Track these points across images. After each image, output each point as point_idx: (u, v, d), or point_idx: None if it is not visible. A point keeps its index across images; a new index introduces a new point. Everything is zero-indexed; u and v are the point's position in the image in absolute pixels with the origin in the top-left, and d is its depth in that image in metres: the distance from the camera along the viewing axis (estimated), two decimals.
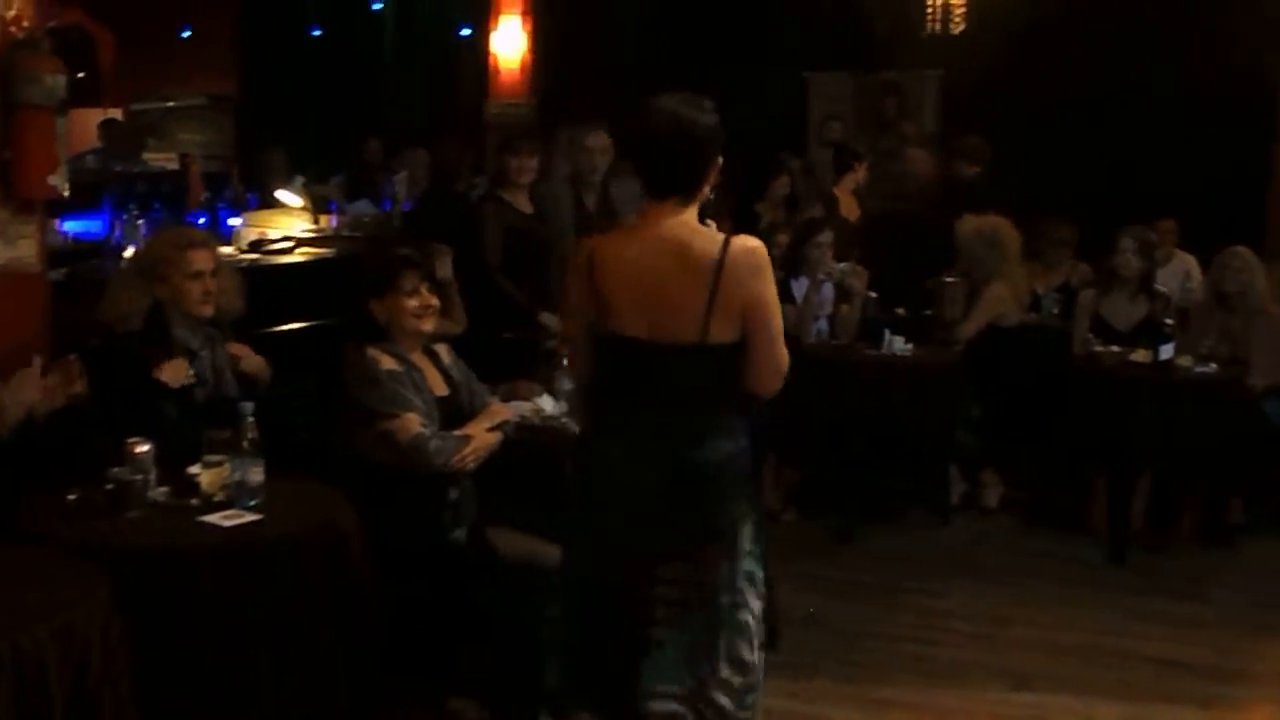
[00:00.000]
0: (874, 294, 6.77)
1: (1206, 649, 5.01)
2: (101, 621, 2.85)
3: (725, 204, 7.19)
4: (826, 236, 6.58)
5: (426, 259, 4.32)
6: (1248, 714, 4.73)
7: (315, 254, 7.05)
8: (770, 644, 3.37)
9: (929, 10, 7.87)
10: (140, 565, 3.17)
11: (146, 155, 10.57)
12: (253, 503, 3.44)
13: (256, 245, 6.96)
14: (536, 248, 6.01)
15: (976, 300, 6.64)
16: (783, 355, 3.13)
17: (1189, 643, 5.06)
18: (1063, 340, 6.59)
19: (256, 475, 3.47)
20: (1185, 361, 6.06)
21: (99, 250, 6.48)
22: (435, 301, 4.13)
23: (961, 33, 8.37)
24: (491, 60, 10.52)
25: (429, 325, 4.10)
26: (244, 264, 6.35)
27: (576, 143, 6.16)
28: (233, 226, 7.33)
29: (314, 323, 6.06)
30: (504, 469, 4.10)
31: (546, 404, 4.58)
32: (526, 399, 4.60)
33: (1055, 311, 6.91)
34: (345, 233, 7.77)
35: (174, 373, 4.00)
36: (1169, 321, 6.10)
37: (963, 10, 7.75)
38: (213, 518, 3.39)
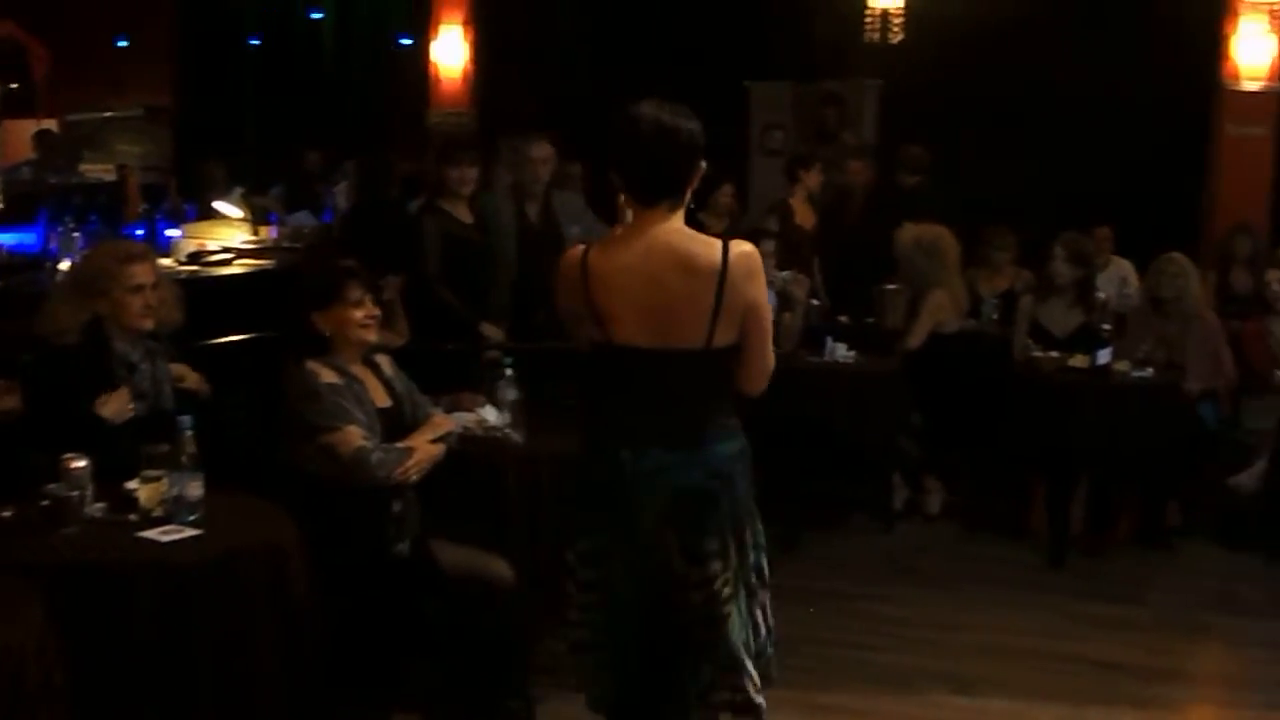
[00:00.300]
0: (816, 302, 6.81)
1: (1143, 650, 5.09)
2: (37, 637, 2.81)
3: None
4: (769, 245, 6.60)
5: (367, 270, 4.30)
6: (1184, 714, 4.80)
7: (255, 265, 7.01)
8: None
9: (868, 20, 7.93)
10: (78, 581, 3.14)
11: (83, 167, 10.48)
12: (192, 518, 3.41)
13: (195, 257, 6.90)
14: (477, 258, 5.99)
15: (917, 308, 6.70)
16: (772, 356, 3.22)
17: (1126, 644, 5.13)
18: (1002, 347, 6.65)
19: (195, 490, 3.44)
20: (1122, 366, 6.14)
21: (34, 263, 6.41)
22: (378, 311, 4.12)
23: (901, 42, 8.45)
24: (432, 70, 10.50)
25: (373, 335, 4.08)
26: (182, 276, 6.30)
27: (519, 153, 6.15)
28: (171, 238, 7.26)
29: (254, 335, 6.01)
30: (447, 480, 4.08)
31: (489, 415, 4.57)
32: (469, 410, 4.58)
33: (995, 318, 6.98)
34: (285, 244, 7.73)
35: (116, 407, 3.92)
36: (1106, 327, 6.18)
37: (901, 20, 7.81)
38: (151, 533, 3.35)
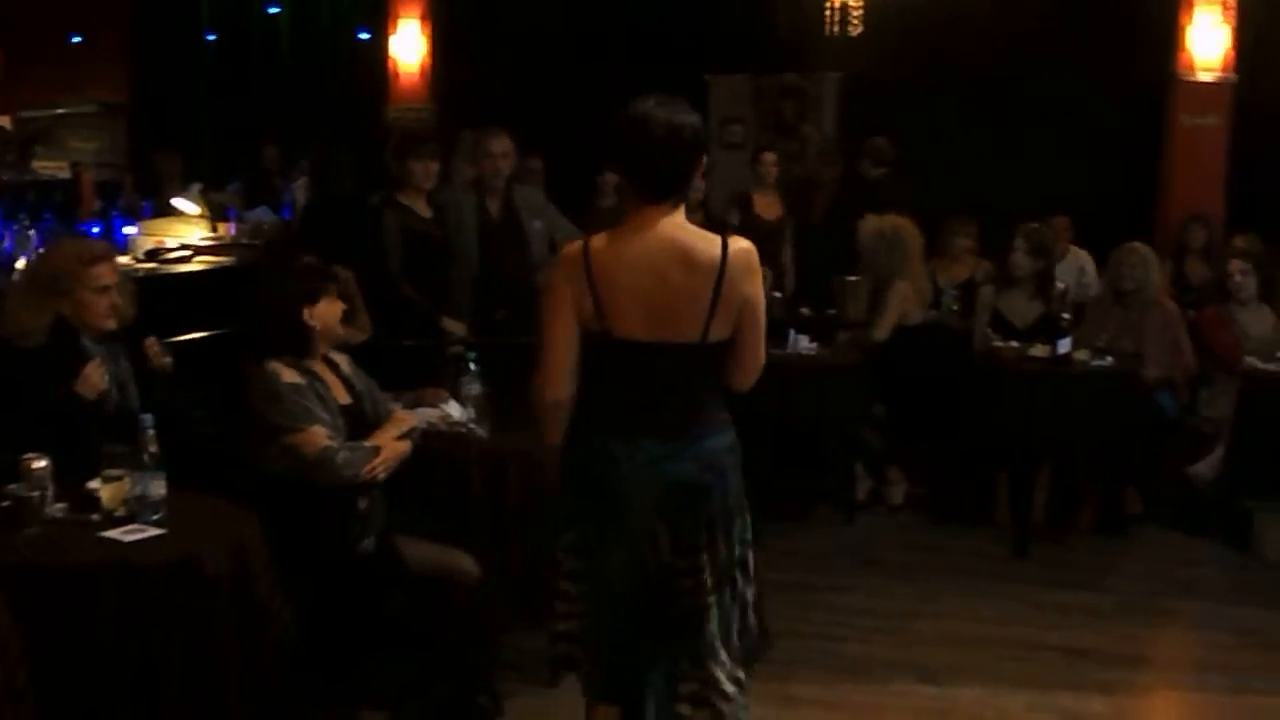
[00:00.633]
0: (778, 294, 6.82)
1: (1107, 637, 5.13)
2: (0, 638, 2.78)
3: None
4: None
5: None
6: (1147, 699, 4.85)
7: (214, 262, 6.94)
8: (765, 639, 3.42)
9: (828, 12, 7.94)
10: (40, 583, 3.10)
11: (37, 164, 10.35)
12: (155, 517, 3.38)
13: (153, 254, 6.83)
14: (438, 253, 5.96)
15: (880, 300, 6.72)
16: (764, 352, 3.29)
17: (1090, 631, 5.18)
18: (963, 337, 6.69)
19: (158, 489, 3.41)
20: (1082, 356, 6.18)
21: None
22: (346, 306, 4.15)
23: (860, 35, 8.47)
24: (390, 64, 10.44)
25: (342, 330, 4.11)
26: (140, 273, 6.24)
27: (480, 147, 6.11)
28: (128, 235, 7.18)
29: (214, 332, 5.95)
30: (412, 477, 4.06)
31: (453, 410, 4.55)
32: (433, 406, 4.56)
33: (955, 309, 7.01)
34: (244, 240, 7.66)
35: (92, 381, 3.86)
36: (1066, 317, 6.22)
37: (860, 12, 7.83)
38: (113, 533, 3.32)
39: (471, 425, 4.50)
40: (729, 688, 3.23)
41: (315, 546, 3.79)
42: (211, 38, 12.37)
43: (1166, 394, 6.47)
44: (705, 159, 3.21)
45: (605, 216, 7.44)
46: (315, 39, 12.03)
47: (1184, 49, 8.76)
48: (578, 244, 3.20)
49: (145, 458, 3.42)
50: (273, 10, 12.18)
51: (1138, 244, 6.71)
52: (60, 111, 12.27)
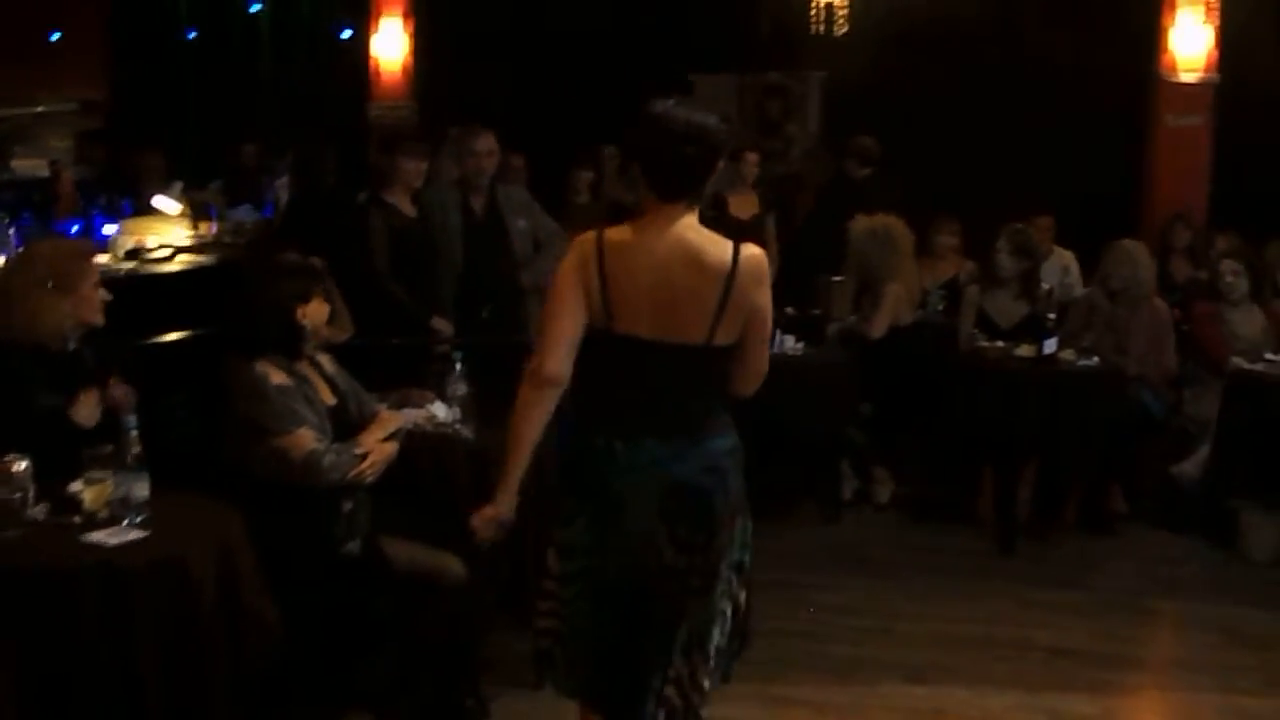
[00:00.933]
0: None
1: (1094, 636, 5.13)
2: None
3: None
4: None
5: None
6: (1135, 699, 4.85)
7: (196, 262, 6.89)
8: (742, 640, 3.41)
9: (812, 12, 7.93)
10: (22, 586, 3.07)
11: (15, 163, 10.27)
12: (138, 519, 3.34)
13: (134, 253, 6.78)
14: (424, 252, 5.93)
15: (874, 300, 6.70)
16: (767, 359, 3.28)
17: (1077, 630, 5.17)
18: (948, 336, 6.69)
19: (141, 490, 3.38)
20: (1068, 355, 6.19)
21: None
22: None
23: (844, 34, 8.47)
24: (372, 62, 10.39)
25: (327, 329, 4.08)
26: (121, 273, 6.19)
27: (464, 145, 6.08)
28: (108, 235, 7.13)
29: (197, 331, 5.90)
30: (397, 478, 4.03)
31: (439, 411, 4.53)
32: (419, 406, 4.53)
33: (940, 308, 7.00)
34: (227, 239, 7.61)
35: (88, 410, 3.75)
36: (1051, 316, 6.22)
37: (845, 12, 7.82)
38: (96, 536, 3.28)
39: (457, 426, 4.47)
40: (706, 685, 3.24)
41: (300, 548, 3.76)
42: (192, 36, 12.29)
43: (1151, 393, 6.48)
44: (722, 163, 3.21)
45: (580, 214, 7.41)
46: (296, 36, 11.96)
47: (1166, 49, 8.77)
48: (592, 233, 3.19)
49: (129, 459, 3.38)
50: (254, 8, 12.11)
51: (1126, 241, 6.72)
52: (39, 110, 12.17)
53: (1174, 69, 8.76)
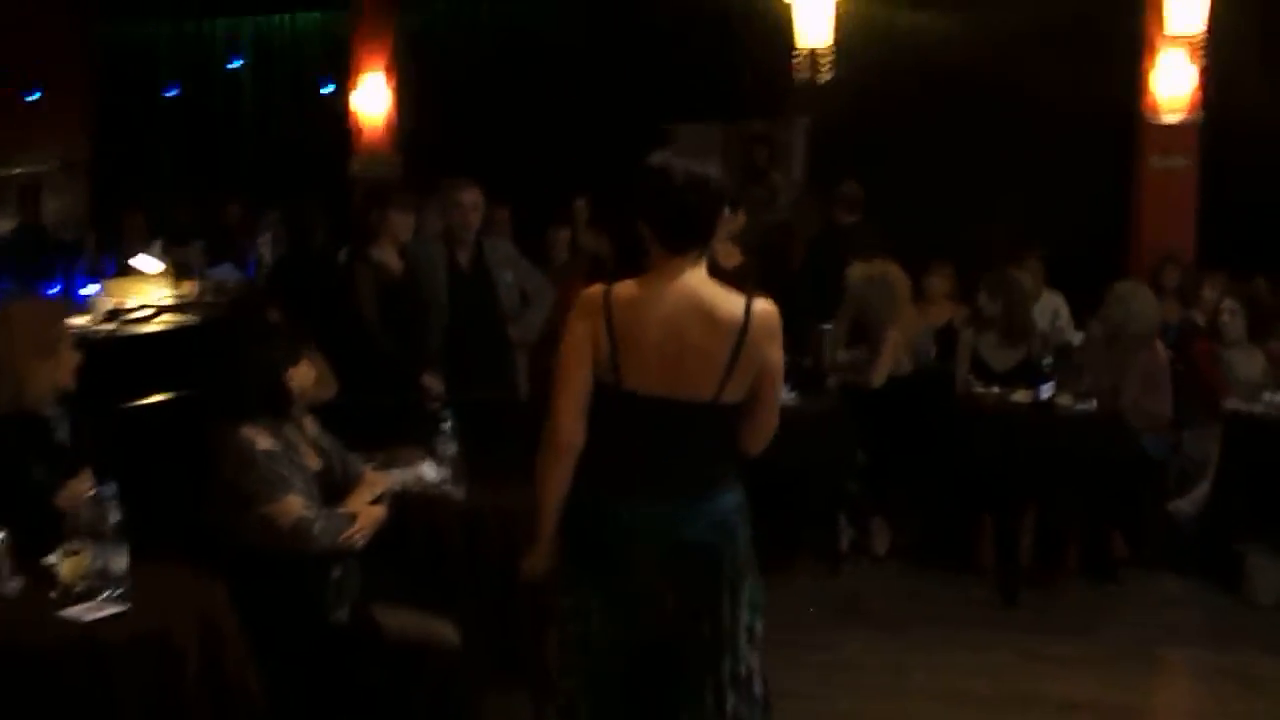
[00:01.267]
0: None
1: (1102, 687, 5.02)
2: None
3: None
4: None
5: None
6: None
7: (178, 321, 6.79)
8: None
9: (796, 59, 7.90)
10: None
11: None
12: (117, 592, 3.23)
13: (114, 314, 6.67)
14: (413, 306, 5.84)
15: (870, 346, 6.63)
16: (777, 417, 3.22)
17: (1084, 681, 5.06)
18: (942, 382, 6.60)
19: (119, 562, 3.26)
20: (1065, 400, 6.11)
21: None
22: None
23: (829, 81, 8.44)
24: (354, 117, 10.36)
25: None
26: (100, 335, 6.09)
27: (450, 198, 6.00)
28: (87, 297, 7.03)
29: (178, 394, 5.79)
30: (387, 541, 3.92)
31: (428, 471, 4.42)
32: (407, 465, 4.43)
33: (931, 354, 6.93)
34: (208, 298, 7.51)
35: (77, 497, 3.56)
36: (1048, 361, 6.15)
37: (830, 59, 7.79)
38: (73, 611, 3.17)
39: (446, 485, 4.36)
40: None
41: (288, 617, 3.65)
42: (173, 93, 12.25)
43: (1151, 435, 6.39)
44: (727, 211, 3.17)
45: (560, 274, 7.33)
46: (278, 92, 11.94)
47: (1148, 91, 8.77)
48: (599, 288, 3.13)
49: (107, 529, 3.27)
50: (234, 65, 12.08)
51: (1121, 282, 6.63)
52: (17, 171, 12.08)
53: (1156, 111, 8.76)
